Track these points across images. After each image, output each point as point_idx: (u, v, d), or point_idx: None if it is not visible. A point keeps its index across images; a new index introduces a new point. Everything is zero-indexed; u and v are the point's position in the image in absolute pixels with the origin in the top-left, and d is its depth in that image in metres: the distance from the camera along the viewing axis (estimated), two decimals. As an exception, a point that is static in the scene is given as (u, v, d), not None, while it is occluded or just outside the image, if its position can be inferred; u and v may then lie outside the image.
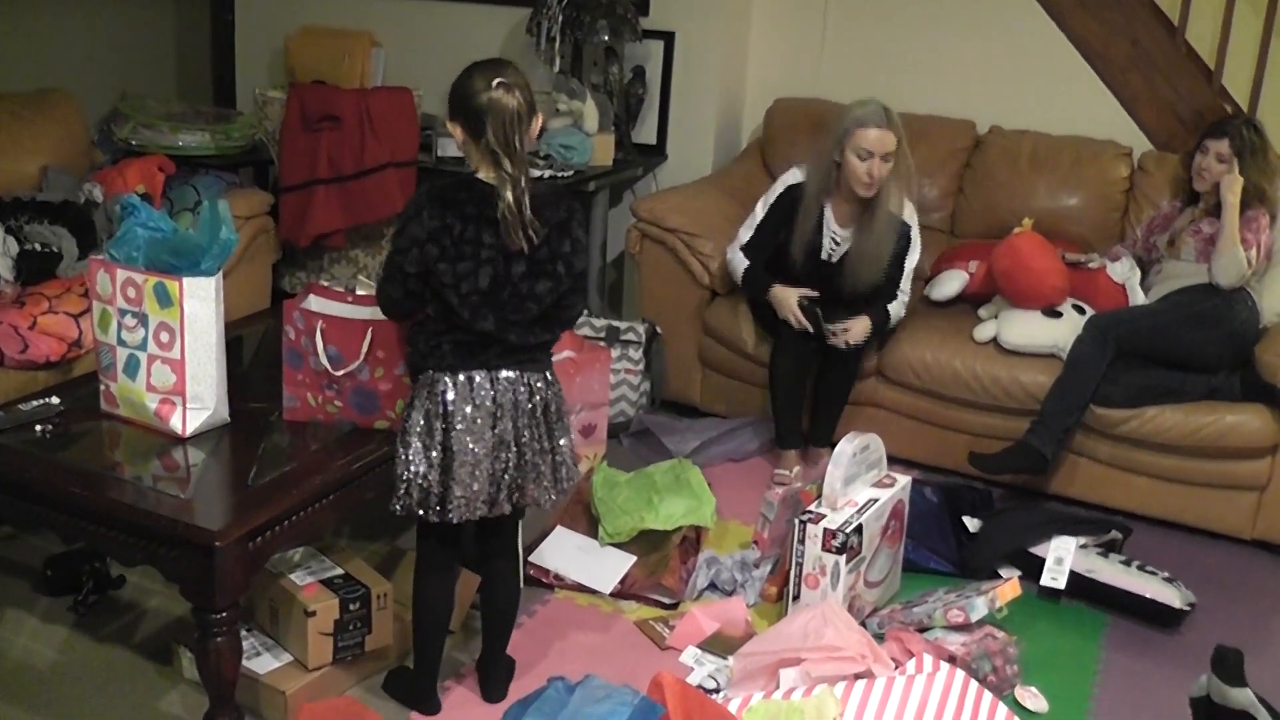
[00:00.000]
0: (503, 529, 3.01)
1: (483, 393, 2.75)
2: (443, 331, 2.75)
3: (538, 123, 2.73)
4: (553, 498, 2.89)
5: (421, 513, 2.79)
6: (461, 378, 2.74)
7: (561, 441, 2.87)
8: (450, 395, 2.74)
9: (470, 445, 2.75)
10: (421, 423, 2.76)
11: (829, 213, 4.39)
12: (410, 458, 2.76)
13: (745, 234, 4.53)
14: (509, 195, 2.64)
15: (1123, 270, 4.48)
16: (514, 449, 2.79)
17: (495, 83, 2.63)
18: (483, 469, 2.76)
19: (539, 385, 2.81)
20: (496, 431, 2.76)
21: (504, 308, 2.71)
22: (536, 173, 4.89)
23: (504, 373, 2.76)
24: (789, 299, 4.32)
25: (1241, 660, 2.96)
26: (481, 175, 2.70)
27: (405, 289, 2.75)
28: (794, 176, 4.46)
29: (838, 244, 4.40)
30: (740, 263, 4.50)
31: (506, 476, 2.80)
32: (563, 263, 2.74)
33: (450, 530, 2.90)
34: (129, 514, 2.70)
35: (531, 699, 2.84)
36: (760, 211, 4.51)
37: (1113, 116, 5.06)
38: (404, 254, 2.70)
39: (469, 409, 2.74)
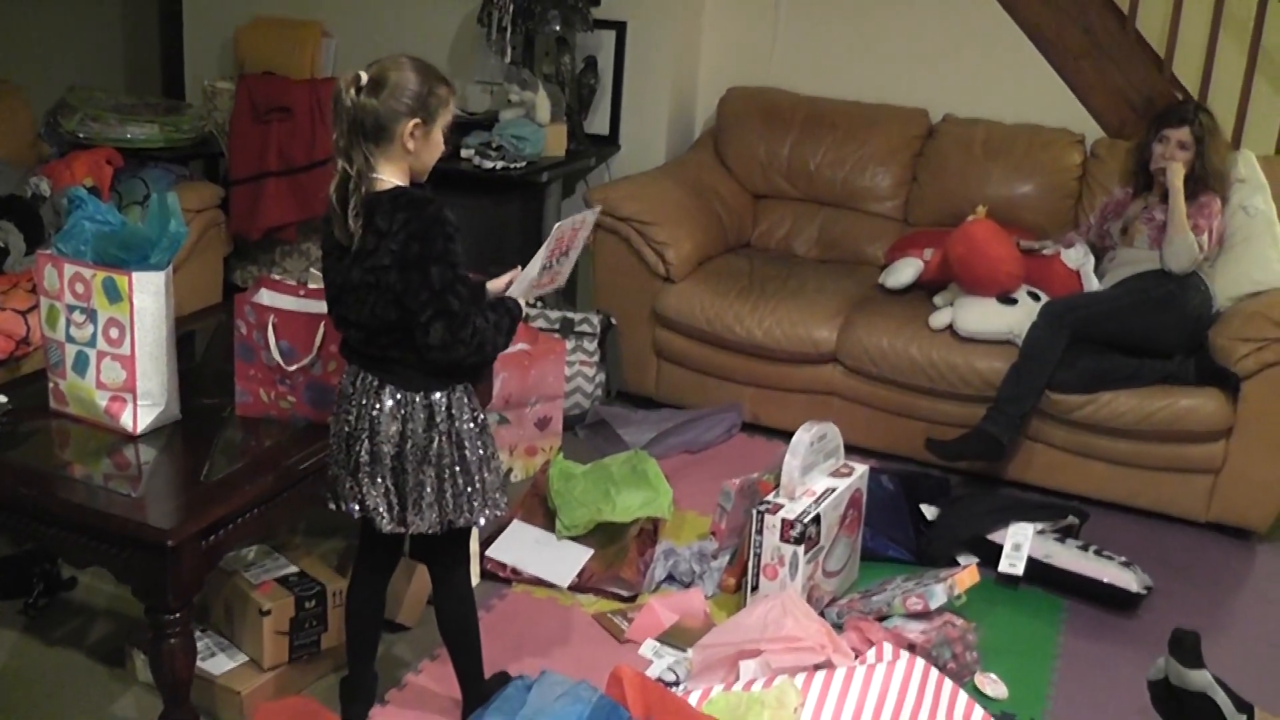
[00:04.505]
0: (426, 538, 2.84)
1: (346, 382, 2.72)
2: None
3: (404, 125, 2.55)
4: (385, 520, 2.72)
5: None
6: (349, 365, 2.73)
7: (423, 475, 2.68)
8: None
9: (331, 430, 2.77)
10: None
11: None
12: None
13: None
14: (330, 188, 2.59)
15: (1077, 257, 4.50)
16: (358, 449, 2.70)
17: (353, 74, 2.59)
18: (339, 459, 2.73)
19: (394, 405, 2.65)
20: (345, 427, 2.71)
21: (347, 312, 2.66)
22: (490, 164, 4.87)
23: (366, 376, 2.68)
24: None
25: (1199, 642, 2.98)
26: None
27: None
28: None
29: None
30: None
31: (348, 474, 2.72)
32: (378, 275, 2.57)
33: (370, 526, 2.80)
34: (79, 514, 2.66)
35: (491, 698, 2.82)
36: None
37: (1065, 104, 5.09)
38: None
39: (337, 396, 2.75)
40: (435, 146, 2.64)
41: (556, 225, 2.88)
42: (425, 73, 2.61)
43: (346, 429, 2.71)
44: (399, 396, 2.66)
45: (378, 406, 2.66)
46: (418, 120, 2.57)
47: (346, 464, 2.72)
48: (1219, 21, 4.85)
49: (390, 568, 3.02)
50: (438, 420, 2.67)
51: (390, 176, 2.60)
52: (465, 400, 2.71)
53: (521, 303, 2.82)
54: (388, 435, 2.66)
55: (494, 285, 2.85)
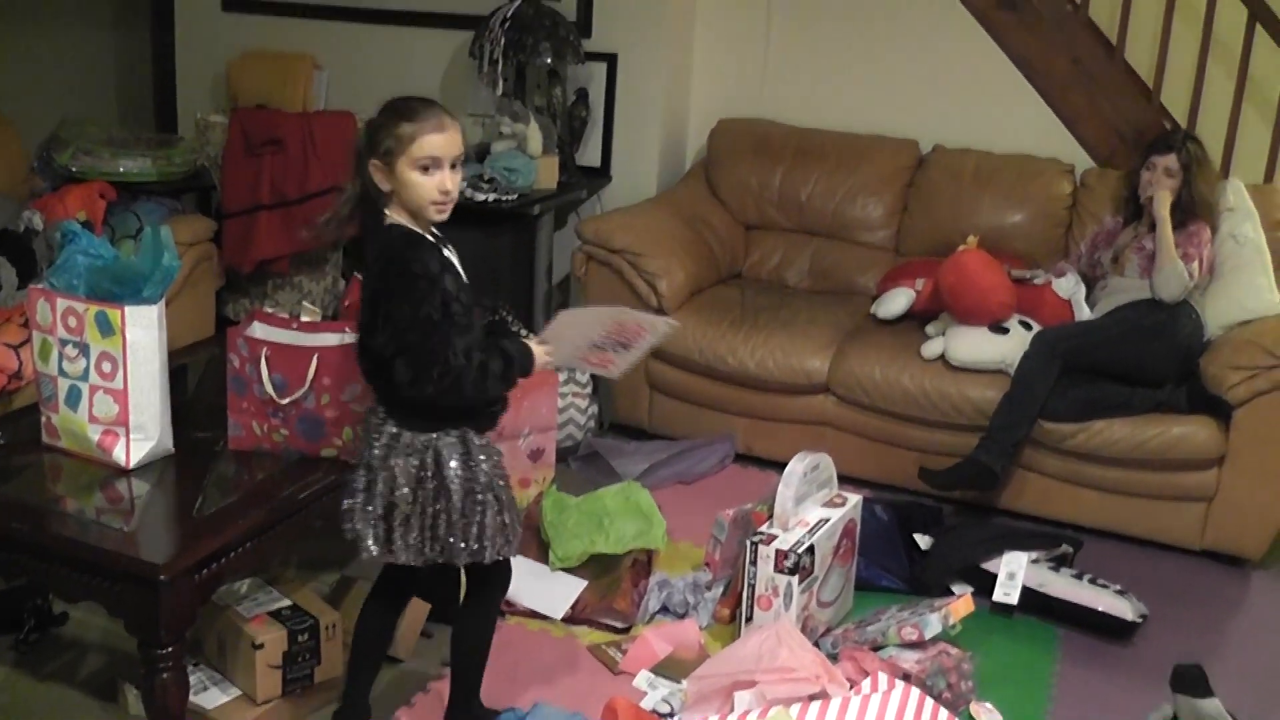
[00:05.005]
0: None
1: (368, 411, 2.77)
2: None
3: (367, 166, 2.60)
4: (372, 546, 2.72)
5: None
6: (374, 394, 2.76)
7: (409, 510, 2.68)
8: None
9: None
10: None
11: None
12: None
13: None
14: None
15: (1068, 286, 4.51)
16: (359, 476, 2.74)
17: None
18: (350, 485, 2.75)
19: (389, 438, 2.68)
20: (360, 456, 2.74)
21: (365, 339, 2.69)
22: (482, 196, 4.88)
23: (378, 407, 2.72)
24: None
25: (1203, 672, 2.98)
26: None
27: None
28: None
29: None
30: None
31: (352, 499, 2.74)
32: (364, 309, 2.64)
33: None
34: (71, 548, 2.65)
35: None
36: None
37: (1055, 134, 5.11)
38: None
39: None
40: (409, 185, 2.60)
41: (622, 308, 2.88)
42: (388, 111, 2.62)
43: (359, 458, 2.74)
44: (393, 430, 2.67)
45: (376, 438, 2.68)
46: (374, 160, 2.60)
47: (354, 491, 2.73)
48: (1207, 51, 4.88)
49: (404, 597, 3.03)
50: (426, 460, 2.67)
51: (393, 214, 2.64)
52: (458, 443, 2.70)
53: (537, 351, 2.78)
54: (381, 466, 2.67)
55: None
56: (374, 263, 2.60)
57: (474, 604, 2.94)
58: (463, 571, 2.96)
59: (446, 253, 2.70)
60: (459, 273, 2.70)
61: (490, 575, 2.88)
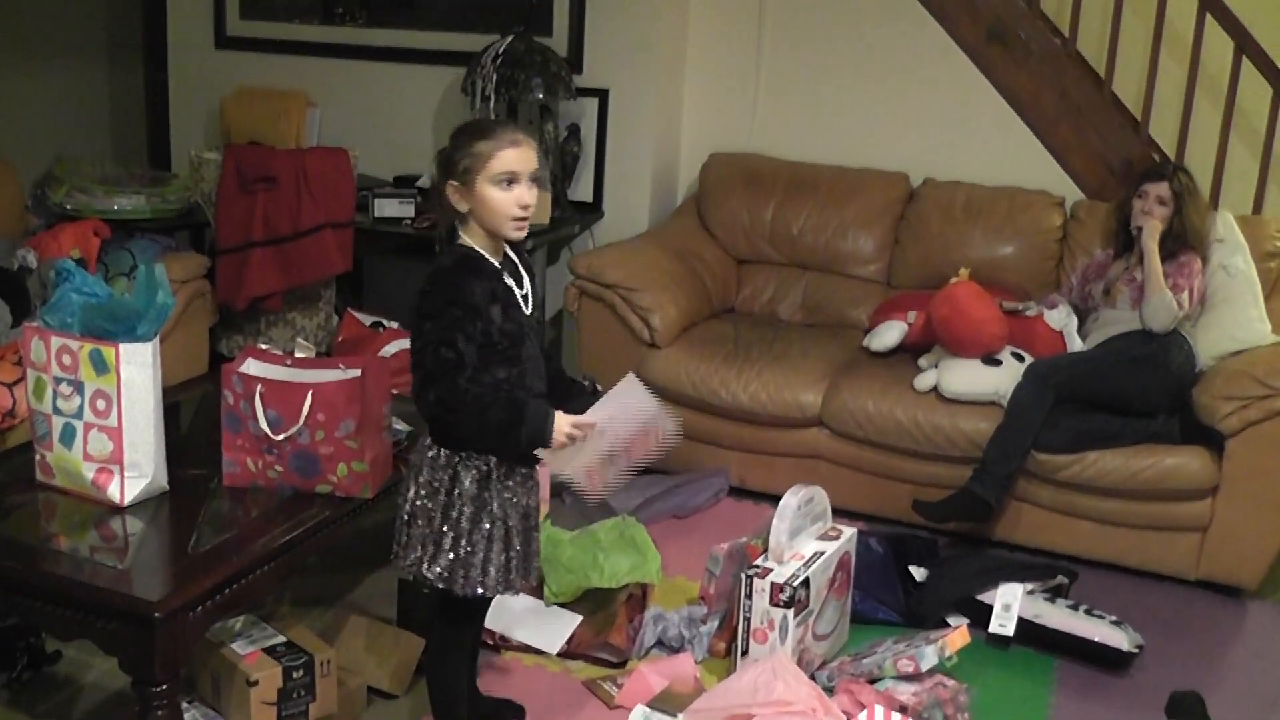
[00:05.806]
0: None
1: None
2: None
3: (444, 189, 2.68)
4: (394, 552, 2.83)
5: None
6: None
7: (416, 515, 2.75)
8: None
9: None
10: None
11: None
12: None
13: None
14: None
15: (1060, 317, 4.53)
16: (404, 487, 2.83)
17: None
18: None
19: (425, 441, 2.76)
20: None
21: None
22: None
23: None
24: None
25: (1201, 699, 2.98)
26: None
27: None
28: None
29: None
30: None
31: None
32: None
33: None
34: (65, 586, 2.64)
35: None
36: None
37: (1044, 167, 5.14)
38: None
39: None
40: (488, 201, 2.63)
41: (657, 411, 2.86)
42: (461, 134, 2.68)
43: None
44: (427, 442, 2.74)
45: (418, 449, 2.77)
46: (451, 182, 2.65)
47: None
48: (1194, 83, 4.92)
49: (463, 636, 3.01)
50: (444, 478, 2.71)
51: (467, 236, 2.69)
52: (477, 469, 2.71)
53: (560, 422, 2.67)
54: (413, 475, 2.75)
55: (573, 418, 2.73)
56: (425, 279, 2.65)
57: (430, 643, 2.97)
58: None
59: (508, 280, 2.72)
60: (518, 303, 2.73)
61: (464, 605, 2.88)
